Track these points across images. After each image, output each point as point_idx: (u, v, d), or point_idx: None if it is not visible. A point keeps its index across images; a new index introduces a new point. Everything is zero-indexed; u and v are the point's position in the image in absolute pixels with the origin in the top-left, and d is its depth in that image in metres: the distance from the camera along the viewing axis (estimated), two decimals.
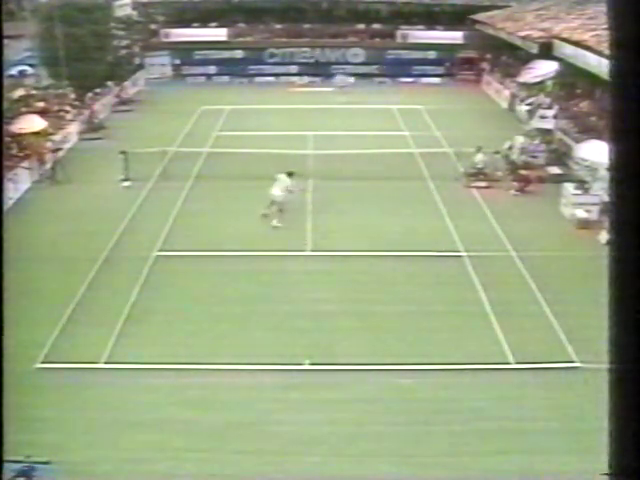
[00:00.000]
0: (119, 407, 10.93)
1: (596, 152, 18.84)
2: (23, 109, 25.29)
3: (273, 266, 15.90)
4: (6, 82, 23.25)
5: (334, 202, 19.80)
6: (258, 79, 39.70)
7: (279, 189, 18.46)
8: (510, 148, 22.51)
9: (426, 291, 14.76)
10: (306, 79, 39.19)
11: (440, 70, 39.96)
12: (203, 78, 39.98)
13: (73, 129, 26.90)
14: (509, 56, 35.80)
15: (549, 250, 16.62)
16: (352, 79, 38.07)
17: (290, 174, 18.89)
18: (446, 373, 11.79)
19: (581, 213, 18.29)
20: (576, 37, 25.33)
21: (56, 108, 27.44)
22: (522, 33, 30.58)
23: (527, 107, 27.48)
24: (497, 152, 22.07)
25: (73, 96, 29.34)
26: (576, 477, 9.20)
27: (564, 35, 26.84)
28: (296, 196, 18.98)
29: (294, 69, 40.23)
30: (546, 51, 27.76)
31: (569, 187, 19.17)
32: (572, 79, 27.18)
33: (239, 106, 32.08)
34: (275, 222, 18.11)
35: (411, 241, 17.22)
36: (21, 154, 21.97)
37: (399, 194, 20.62)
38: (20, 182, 20.72)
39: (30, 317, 12.06)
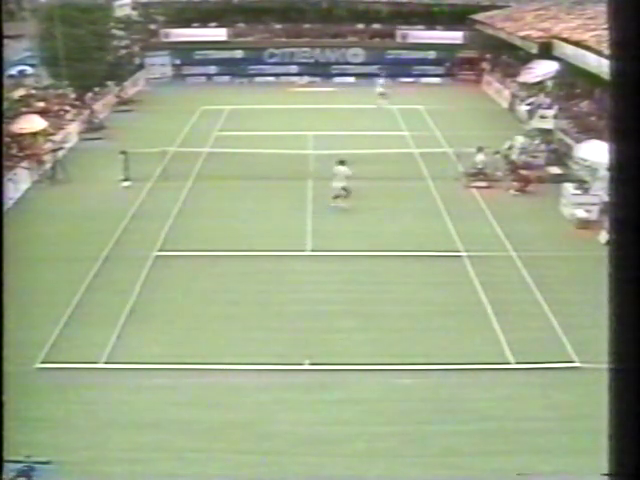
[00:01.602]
0: (119, 407, 10.93)
1: (596, 152, 18.84)
2: (23, 109, 25.28)
3: (273, 266, 15.90)
4: (6, 82, 23.28)
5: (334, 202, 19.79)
6: (258, 79, 39.70)
7: (339, 180, 19.50)
8: (510, 148, 22.51)
9: (426, 291, 14.75)
10: (306, 79, 39.21)
11: (440, 70, 39.93)
12: (203, 78, 39.97)
13: (73, 129, 26.90)
14: (509, 56, 35.80)
15: (549, 250, 16.62)
16: (352, 79, 37.60)
17: (342, 162, 19.74)
18: (446, 373, 11.78)
19: (581, 213, 18.29)
20: (576, 37, 25.32)
21: (56, 108, 27.45)
22: (522, 33, 30.57)
23: (527, 107, 27.47)
24: (497, 152, 22.08)
25: (73, 96, 29.36)
26: (576, 477, 9.20)
27: (564, 35, 26.83)
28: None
29: (294, 69, 40.23)
30: (546, 51, 27.75)
31: (569, 187, 19.17)
32: (572, 79, 27.18)
33: (239, 106, 32.08)
34: (343, 204, 19.38)
35: (411, 241, 17.21)
36: (21, 154, 21.97)
37: (399, 194, 20.61)
38: (20, 182, 20.72)
39: (30, 317, 12.06)
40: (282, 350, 12.43)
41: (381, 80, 34.12)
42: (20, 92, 27.49)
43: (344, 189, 19.50)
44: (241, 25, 41.14)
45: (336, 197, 19.51)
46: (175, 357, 12.20)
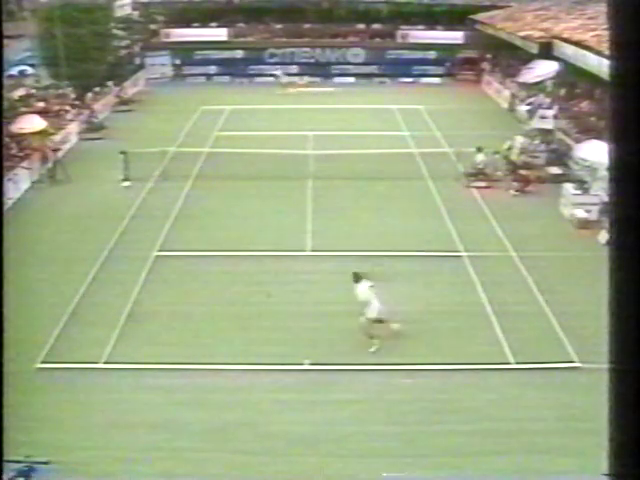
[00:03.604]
0: (119, 407, 10.93)
1: (596, 152, 18.81)
2: (23, 109, 25.29)
3: (273, 266, 15.89)
4: (6, 82, 23.28)
5: (334, 202, 19.79)
6: (258, 79, 39.72)
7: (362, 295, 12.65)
8: (510, 148, 22.50)
9: (426, 291, 14.75)
10: (306, 79, 39.21)
11: (440, 70, 39.96)
12: (203, 78, 40.01)
13: (73, 129, 26.90)
14: (509, 56, 35.79)
15: (549, 250, 16.61)
16: (352, 79, 39.03)
17: (357, 278, 12.77)
18: (446, 373, 11.78)
19: (581, 213, 18.28)
20: (576, 37, 25.32)
21: (56, 108, 27.45)
22: (522, 33, 30.56)
23: (527, 107, 27.46)
24: (497, 152, 22.08)
25: (73, 96, 29.37)
26: (576, 477, 9.20)
27: (564, 35, 26.83)
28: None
29: (294, 69, 40.24)
30: (546, 51, 27.75)
31: (569, 187, 19.17)
32: (572, 79, 27.18)
33: (239, 106, 32.07)
34: (373, 346, 12.42)
35: (411, 241, 17.20)
36: (21, 154, 21.97)
37: (399, 194, 20.60)
38: (20, 182, 20.72)
39: (30, 317, 12.05)
40: (282, 350, 12.42)
41: (280, 72, 38.09)
42: (20, 92, 27.51)
43: (378, 320, 12.41)
44: (241, 25, 41.15)
45: (371, 336, 12.47)
46: (175, 357, 12.19)
